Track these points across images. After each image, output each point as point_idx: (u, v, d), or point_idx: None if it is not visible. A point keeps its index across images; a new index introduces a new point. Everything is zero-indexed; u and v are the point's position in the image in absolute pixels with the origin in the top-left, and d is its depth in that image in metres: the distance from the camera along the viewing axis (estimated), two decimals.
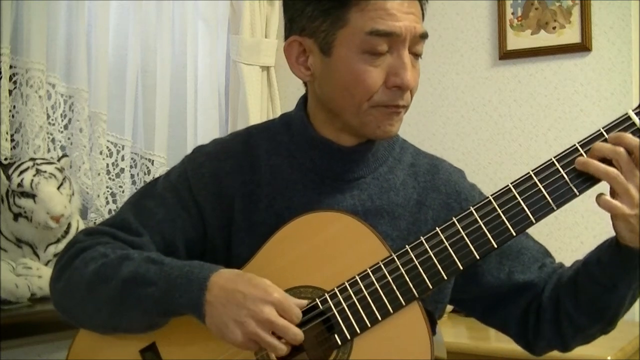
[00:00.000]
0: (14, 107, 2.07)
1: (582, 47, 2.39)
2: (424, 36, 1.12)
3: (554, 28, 2.44)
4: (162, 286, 1.07)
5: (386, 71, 1.10)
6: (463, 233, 1.06)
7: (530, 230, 1.09)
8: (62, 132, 2.21)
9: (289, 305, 1.03)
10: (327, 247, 1.10)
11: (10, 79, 2.06)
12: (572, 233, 2.37)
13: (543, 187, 1.06)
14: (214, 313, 1.03)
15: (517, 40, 2.50)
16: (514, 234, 1.06)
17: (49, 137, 2.16)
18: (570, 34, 2.41)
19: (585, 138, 1.06)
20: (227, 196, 1.18)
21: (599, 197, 1.04)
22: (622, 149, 1.02)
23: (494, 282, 1.22)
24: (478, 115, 2.59)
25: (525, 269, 1.22)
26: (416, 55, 1.13)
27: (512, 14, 2.51)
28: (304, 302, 1.06)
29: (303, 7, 1.13)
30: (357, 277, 1.07)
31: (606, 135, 1.05)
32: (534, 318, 1.20)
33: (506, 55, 2.52)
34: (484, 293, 1.23)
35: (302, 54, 1.15)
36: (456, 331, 2.07)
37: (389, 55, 1.09)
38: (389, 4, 1.08)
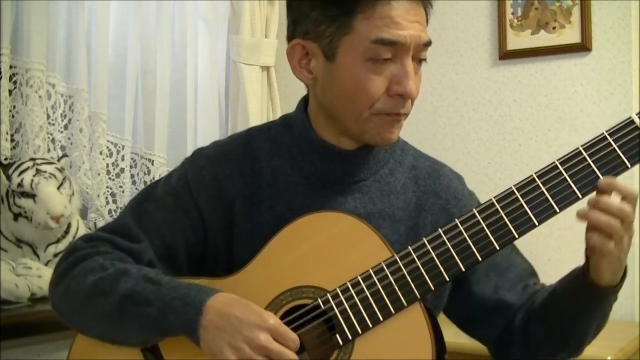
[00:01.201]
0: (14, 107, 2.07)
1: (582, 47, 2.39)
2: (428, 44, 1.12)
3: (554, 28, 2.44)
4: (159, 307, 1.06)
5: (389, 79, 1.10)
6: (465, 235, 1.07)
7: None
8: (62, 132, 2.21)
9: (285, 331, 1.03)
10: (330, 247, 1.10)
11: (10, 79, 2.05)
12: (572, 233, 2.37)
13: (546, 189, 1.06)
14: (209, 337, 1.03)
15: (517, 40, 2.50)
16: (517, 236, 1.06)
17: (49, 137, 2.16)
18: (570, 34, 2.41)
19: (589, 142, 1.06)
20: (228, 198, 1.18)
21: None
22: (617, 223, 1.02)
23: (480, 294, 1.22)
24: (478, 115, 2.59)
25: (511, 286, 1.23)
26: (420, 61, 1.13)
27: (512, 14, 2.50)
28: (297, 339, 1.05)
29: (308, 11, 1.12)
30: (359, 278, 1.07)
31: (610, 139, 1.05)
32: (507, 338, 1.22)
33: (506, 55, 2.52)
34: (468, 303, 1.24)
35: (305, 57, 1.15)
36: (456, 331, 2.07)
37: (392, 63, 1.09)
38: (394, 12, 1.07)
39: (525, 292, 1.23)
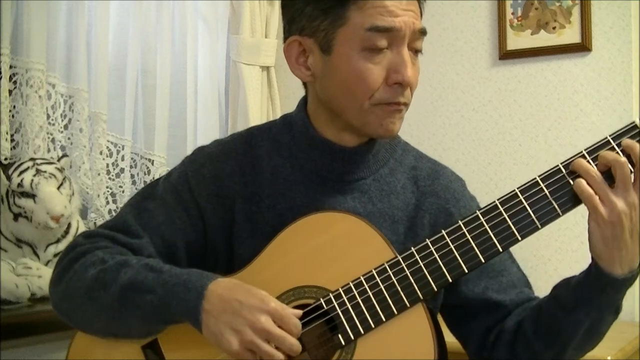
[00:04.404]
0: (14, 107, 2.07)
1: (582, 47, 2.39)
2: (423, 32, 1.12)
3: (554, 28, 2.44)
4: (160, 294, 1.07)
5: (386, 68, 1.10)
6: (468, 236, 1.07)
7: None
8: (62, 132, 2.21)
9: (287, 315, 1.03)
10: (332, 247, 1.10)
11: (10, 79, 2.05)
12: (572, 233, 2.37)
13: (549, 192, 1.06)
14: (211, 321, 1.03)
15: (517, 40, 2.50)
16: (520, 238, 1.06)
17: (49, 137, 2.16)
18: (570, 34, 2.41)
19: (592, 145, 1.06)
20: (228, 197, 1.18)
21: (577, 180, 1.04)
22: (624, 159, 1.02)
23: (468, 294, 1.21)
24: (478, 115, 2.59)
25: (501, 289, 1.21)
26: (416, 52, 1.13)
27: (512, 14, 2.51)
28: (299, 312, 1.05)
29: (302, 7, 1.13)
30: (362, 278, 1.07)
31: (613, 143, 1.05)
32: (493, 338, 1.20)
33: (506, 55, 2.52)
34: (455, 302, 1.23)
35: (302, 54, 1.15)
36: None
37: (388, 52, 1.10)
38: (387, 2, 1.08)
39: (518, 297, 1.21)
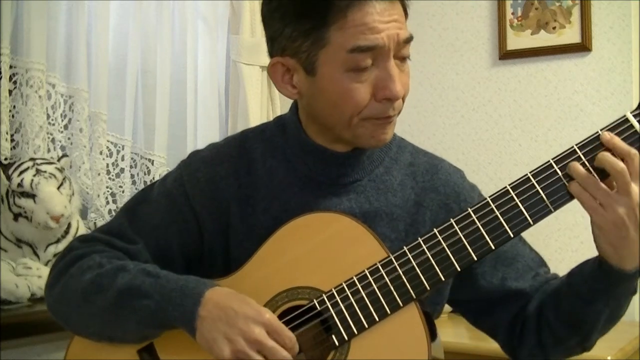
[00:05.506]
0: (14, 107, 2.07)
1: (582, 47, 2.39)
2: (408, 40, 1.09)
3: (554, 28, 2.44)
4: (157, 299, 1.07)
5: (373, 85, 1.08)
6: (461, 234, 1.06)
7: (530, 230, 1.08)
8: (62, 132, 2.21)
9: (280, 327, 1.03)
10: (326, 248, 1.10)
11: (10, 79, 2.05)
12: (572, 233, 2.37)
13: (541, 188, 1.05)
14: (205, 328, 1.03)
15: (517, 40, 2.50)
16: (512, 235, 1.06)
17: (49, 137, 2.16)
18: (570, 34, 2.41)
19: (583, 140, 1.06)
20: (224, 200, 1.18)
21: (572, 183, 1.04)
22: (622, 166, 1.01)
23: (487, 287, 1.22)
24: (478, 115, 2.59)
25: (518, 276, 1.22)
26: (403, 59, 1.11)
27: (512, 14, 2.51)
28: (293, 337, 1.04)
29: (282, 28, 1.10)
30: (355, 278, 1.07)
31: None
32: (519, 326, 1.21)
33: (506, 55, 2.52)
34: (476, 296, 1.23)
35: (287, 73, 1.14)
36: (456, 331, 2.07)
37: (374, 68, 1.07)
38: (368, 17, 1.05)
39: (536, 280, 1.22)
